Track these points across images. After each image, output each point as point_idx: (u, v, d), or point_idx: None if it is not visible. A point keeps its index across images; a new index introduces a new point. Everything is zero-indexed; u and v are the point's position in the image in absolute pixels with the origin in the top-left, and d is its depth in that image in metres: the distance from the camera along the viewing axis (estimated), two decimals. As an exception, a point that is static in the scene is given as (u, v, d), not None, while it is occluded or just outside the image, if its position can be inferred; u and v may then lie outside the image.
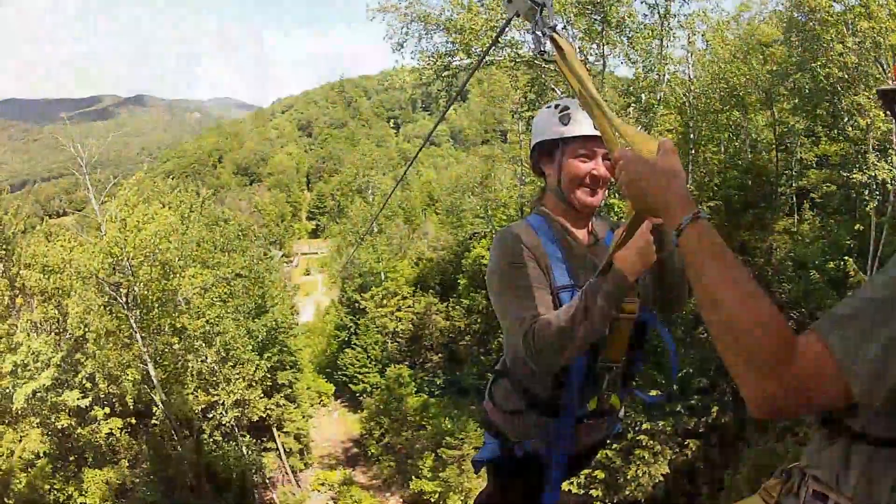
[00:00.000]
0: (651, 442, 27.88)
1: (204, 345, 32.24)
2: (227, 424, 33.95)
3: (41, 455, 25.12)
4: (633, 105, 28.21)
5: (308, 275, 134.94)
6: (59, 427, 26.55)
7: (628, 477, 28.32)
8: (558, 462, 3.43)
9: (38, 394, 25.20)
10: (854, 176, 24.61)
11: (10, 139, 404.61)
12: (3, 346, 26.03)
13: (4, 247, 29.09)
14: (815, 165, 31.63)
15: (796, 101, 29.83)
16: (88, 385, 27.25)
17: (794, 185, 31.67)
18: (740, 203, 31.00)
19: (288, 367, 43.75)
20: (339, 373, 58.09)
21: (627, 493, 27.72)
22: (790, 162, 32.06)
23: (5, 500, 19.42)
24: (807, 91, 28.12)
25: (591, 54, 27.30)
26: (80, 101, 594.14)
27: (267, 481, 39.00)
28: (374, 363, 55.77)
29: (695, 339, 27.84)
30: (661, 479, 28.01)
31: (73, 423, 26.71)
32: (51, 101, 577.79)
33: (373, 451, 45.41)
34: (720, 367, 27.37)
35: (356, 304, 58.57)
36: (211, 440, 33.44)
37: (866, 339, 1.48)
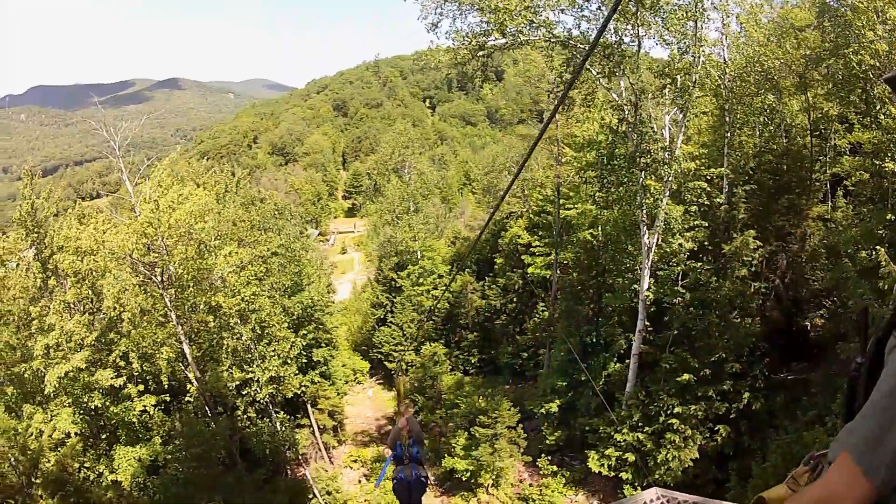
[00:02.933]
0: (682, 426, 27.77)
1: (239, 322, 32.52)
2: (262, 401, 34.29)
3: (71, 434, 25.40)
4: (668, 86, 27.88)
5: (344, 253, 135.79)
6: (92, 407, 26.99)
7: (658, 461, 28.28)
8: None
9: (71, 374, 25.56)
10: (886, 165, 24.18)
11: (42, 125, 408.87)
12: (35, 328, 26.47)
13: (37, 230, 29.53)
14: (848, 153, 31.05)
15: (830, 86, 29.22)
16: (122, 364, 27.65)
17: (828, 171, 31.20)
18: (775, 188, 30.60)
19: (323, 344, 44.02)
20: (375, 350, 58.38)
21: (657, 476, 27.57)
22: (824, 148, 31.54)
23: (33, 479, 19.67)
24: (840, 77, 27.60)
25: (626, 35, 26.98)
26: (112, 86, 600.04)
27: (300, 458, 39.36)
28: (409, 341, 55.94)
29: (730, 323, 27.54)
30: (691, 464, 27.89)
31: (106, 402, 27.13)
32: (82, 86, 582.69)
33: (407, 428, 45.54)
34: (753, 352, 27.14)
35: (392, 283, 58.71)
36: (245, 417, 33.80)
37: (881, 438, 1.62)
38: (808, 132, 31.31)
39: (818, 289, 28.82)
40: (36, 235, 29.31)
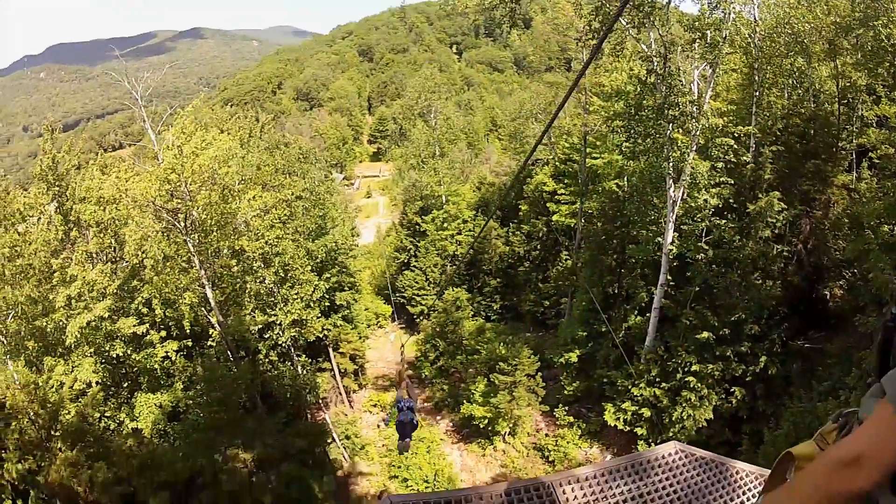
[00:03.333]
0: (699, 385, 27.87)
1: (262, 266, 32.67)
2: (284, 345, 34.59)
3: (92, 384, 25.65)
4: (698, 41, 27.42)
5: (369, 197, 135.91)
6: (114, 355, 27.35)
7: (673, 418, 28.44)
8: None
9: (93, 323, 25.84)
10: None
11: (61, 81, 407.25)
12: (57, 280, 26.72)
13: (58, 183, 29.67)
14: (875, 125, 30.47)
15: (859, 56, 28.78)
16: (145, 311, 27.93)
17: (854, 141, 30.64)
18: (802, 151, 30.15)
19: (346, 287, 44.17)
20: (398, 294, 58.67)
21: (671, 434, 27.72)
22: (851, 117, 30.95)
23: (52, 432, 19.95)
24: (869, 48, 27.24)
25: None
26: (133, 39, 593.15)
27: (320, 401, 39.73)
28: (432, 286, 56.13)
29: (751, 284, 27.38)
30: (705, 424, 28.01)
31: (128, 350, 27.46)
32: (102, 41, 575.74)
33: (427, 373, 46.02)
34: (773, 316, 27.01)
35: (417, 227, 58.77)
36: (267, 360, 34.13)
37: None
38: (836, 100, 30.78)
39: (839, 258, 28.52)
40: (57, 189, 29.56)
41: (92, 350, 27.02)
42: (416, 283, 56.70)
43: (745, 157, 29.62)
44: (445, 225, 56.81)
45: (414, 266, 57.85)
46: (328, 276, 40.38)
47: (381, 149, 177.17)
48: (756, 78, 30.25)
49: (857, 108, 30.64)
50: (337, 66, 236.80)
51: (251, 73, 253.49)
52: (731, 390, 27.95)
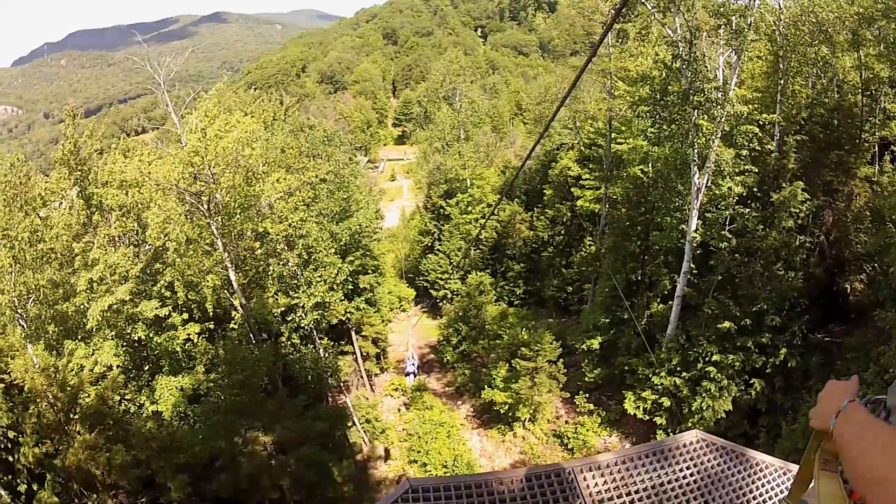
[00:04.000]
0: (719, 375, 27.76)
1: (286, 248, 32.78)
2: (306, 327, 34.72)
3: (113, 367, 25.87)
4: (723, 27, 27.15)
5: (393, 180, 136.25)
6: (135, 338, 27.61)
7: (693, 408, 28.35)
8: None
9: (115, 306, 26.02)
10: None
11: (83, 67, 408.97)
12: (78, 263, 26.95)
13: (80, 167, 29.85)
14: None
15: (881, 48, 28.42)
16: (167, 294, 28.10)
17: (877, 133, 30.26)
18: (825, 141, 29.81)
19: (370, 270, 44.26)
20: (421, 278, 58.73)
21: (689, 424, 27.60)
22: (874, 109, 30.52)
23: (71, 415, 20.08)
24: (891, 40, 27.01)
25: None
26: (155, 24, 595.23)
27: (341, 385, 39.98)
28: (455, 269, 56.14)
29: (773, 274, 27.14)
30: (723, 415, 27.88)
31: (150, 333, 27.69)
32: (123, 27, 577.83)
33: (448, 357, 46.06)
34: (794, 307, 26.80)
35: (441, 210, 58.74)
36: (289, 343, 34.36)
37: None
38: (860, 90, 30.35)
39: (861, 252, 28.22)
40: (79, 173, 29.69)
41: (113, 333, 27.33)
42: (440, 266, 56.73)
43: (769, 146, 29.37)
44: (470, 209, 56.77)
45: (438, 250, 57.88)
46: (352, 258, 40.47)
47: (406, 132, 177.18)
48: (780, 66, 29.92)
49: (880, 101, 30.26)
50: (361, 50, 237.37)
51: (275, 56, 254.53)
52: (751, 382, 27.76)
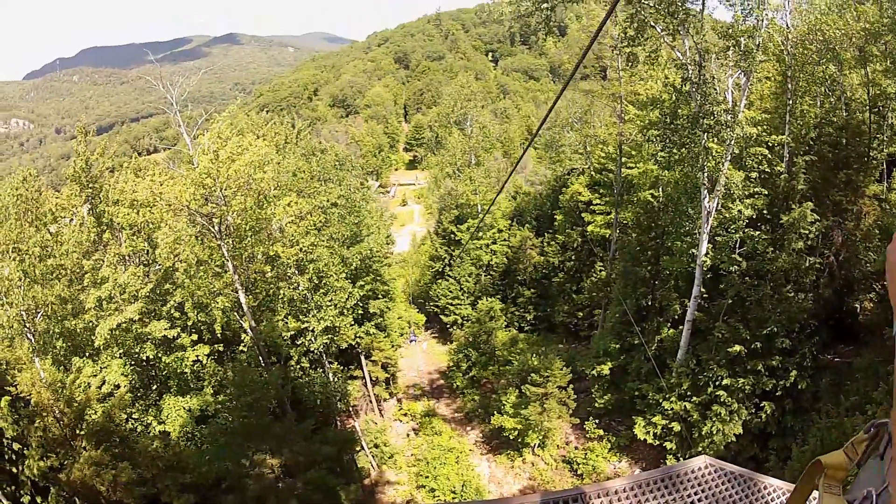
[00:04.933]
0: (729, 399, 27.66)
1: (297, 272, 32.77)
2: (316, 351, 34.57)
3: (119, 386, 25.78)
4: (732, 48, 27.23)
5: (405, 205, 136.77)
6: (144, 358, 27.66)
7: (703, 433, 28.21)
8: None
9: (123, 325, 26.09)
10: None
11: (95, 84, 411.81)
12: (88, 281, 27.02)
13: (91, 185, 30.00)
14: None
15: (888, 62, 28.48)
16: (177, 315, 28.14)
17: (885, 150, 30.23)
18: (834, 161, 29.79)
19: (380, 295, 44.13)
20: (431, 303, 58.69)
21: (700, 449, 27.46)
22: (882, 126, 30.49)
23: (77, 431, 20.03)
24: None
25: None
26: (168, 44, 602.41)
27: (350, 409, 39.74)
28: (466, 295, 56.13)
29: (783, 296, 27.02)
30: (733, 439, 27.72)
31: (158, 353, 27.74)
32: (136, 45, 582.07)
33: (458, 383, 45.99)
34: (804, 329, 26.69)
35: (452, 236, 58.75)
36: (298, 367, 34.28)
37: None
38: (868, 108, 30.37)
39: (870, 270, 28.12)
40: (90, 191, 29.85)
41: (121, 352, 27.41)
42: (451, 292, 56.70)
43: (778, 167, 29.34)
44: (480, 234, 56.74)
45: (448, 275, 57.87)
46: (362, 283, 40.47)
47: (417, 157, 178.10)
48: (789, 86, 29.98)
49: (888, 117, 30.26)
50: (373, 73, 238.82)
51: (287, 79, 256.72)
52: (761, 405, 27.61)
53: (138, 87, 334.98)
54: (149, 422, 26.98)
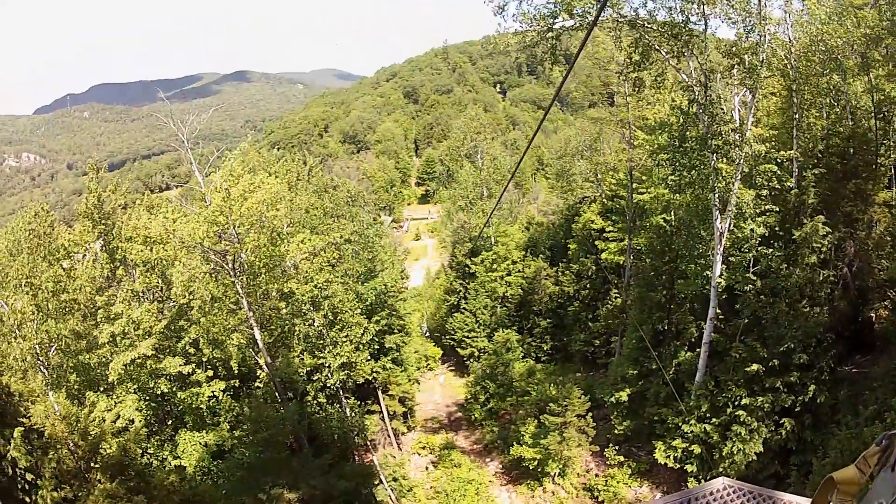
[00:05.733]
0: (749, 418, 27.41)
1: (311, 309, 32.88)
2: (332, 387, 34.65)
3: (134, 421, 25.89)
4: (736, 66, 27.35)
5: (418, 240, 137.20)
6: (158, 392, 27.72)
7: (724, 453, 27.99)
8: None
9: (137, 360, 26.26)
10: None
11: (106, 121, 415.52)
12: (101, 317, 27.21)
13: (104, 221, 30.32)
14: None
15: (890, 66, 28.55)
16: (192, 351, 28.27)
17: (892, 156, 30.19)
18: (843, 172, 29.74)
19: (396, 330, 44.18)
20: (447, 337, 58.63)
21: (721, 469, 27.23)
22: (888, 132, 30.47)
23: (92, 464, 20.03)
24: None
25: (692, 14, 26.49)
26: (178, 81, 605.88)
27: (368, 443, 39.66)
28: (482, 327, 56.08)
29: (799, 312, 26.88)
30: (754, 457, 27.46)
31: (173, 388, 27.85)
32: (147, 82, 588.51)
33: (476, 415, 45.87)
34: (820, 343, 26.53)
35: (466, 269, 58.86)
36: (315, 402, 34.24)
37: None
38: (873, 115, 30.39)
39: (884, 278, 28.01)
40: (103, 227, 30.15)
41: (135, 387, 27.49)
42: (466, 325, 56.69)
43: (788, 183, 29.32)
44: (495, 266, 56.84)
45: (464, 308, 57.85)
46: (377, 318, 40.51)
47: (429, 191, 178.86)
48: (795, 100, 29.98)
49: (893, 122, 30.23)
50: (383, 109, 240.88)
51: (297, 115, 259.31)
52: (781, 422, 27.32)
53: (149, 124, 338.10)
54: (164, 456, 27.02)
